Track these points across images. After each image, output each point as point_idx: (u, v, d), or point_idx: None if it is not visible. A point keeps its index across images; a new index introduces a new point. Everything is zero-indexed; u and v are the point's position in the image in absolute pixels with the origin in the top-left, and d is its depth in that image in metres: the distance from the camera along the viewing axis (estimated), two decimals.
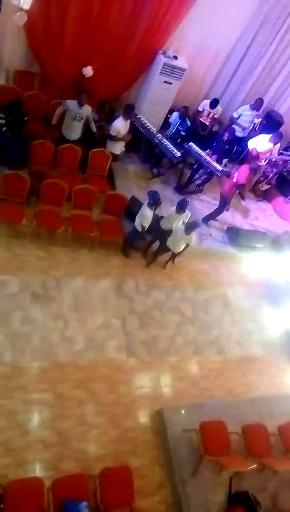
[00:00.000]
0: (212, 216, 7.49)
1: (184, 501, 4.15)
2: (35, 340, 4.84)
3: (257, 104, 8.35)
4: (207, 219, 7.50)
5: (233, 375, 5.67)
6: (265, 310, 6.83)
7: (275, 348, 6.35)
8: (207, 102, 8.29)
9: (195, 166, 7.68)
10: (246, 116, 8.49)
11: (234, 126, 8.39)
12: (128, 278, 6.10)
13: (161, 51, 7.40)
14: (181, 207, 5.82)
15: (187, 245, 6.16)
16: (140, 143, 7.83)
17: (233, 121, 8.47)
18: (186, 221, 5.92)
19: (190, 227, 5.73)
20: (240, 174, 7.01)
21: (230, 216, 8.00)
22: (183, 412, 4.86)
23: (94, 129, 6.75)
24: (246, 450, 4.49)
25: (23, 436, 4.10)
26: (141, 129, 7.55)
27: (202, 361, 5.63)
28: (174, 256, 6.40)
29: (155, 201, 5.67)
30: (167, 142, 7.54)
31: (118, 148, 6.86)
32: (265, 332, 6.51)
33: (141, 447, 4.47)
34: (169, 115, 8.27)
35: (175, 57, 7.44)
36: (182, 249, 6.16)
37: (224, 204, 7.34)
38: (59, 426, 4.28)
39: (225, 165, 8.31)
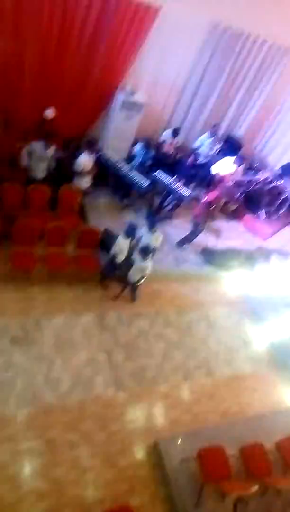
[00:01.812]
0: (187, 240, 7.62)
1: None
2: (18, 386, 4.68)
3: (215, 130, 8.75)
4: (181, 243, 7.63)
5: (225, 396, 5.61)
6: (248, 326, 6.89)
7: (263, 363, 6.36)
8: (168, 132, 8.62)
9: (164, 193, 7.88)
10: (206, 145, 8.88)
11: (197, 152, 8.73)
12: (109, 310, 6.06)
13: (119, 88, 7.73)
14: (129, 232, 5.79)
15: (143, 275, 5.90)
16: (107, 176, 8.00)
17: (195, 148, 8.82)
18: (155, 245, 5.93)
19: (144, 251, 5.63)
20: (209, 197, 7.24)
21: (203, 238, 8.15)
22: (179, 441, 4.74)
23: (52, 166, 6.83)
24: (246, 471, 4.40)
25: (15, 490, 3.89)
26: (106, 163, 7.74)
27: (192, 385, 5.57)
28: (132, 287, 6.18)
29: (131, 231, 5.74)
30: (133, 173, 7.73)
31: (85, 182, 6.98)
32: (251, 348, 6.54)
33: (139, 484, 4.31)
34: (133, 147, 8.53)
35: (133, 93, 7.76)
36: (138, 278, 5.95)
37: (197, 227, 7.50)
38: (52, 474, 4.09)
39: (194, 190, 8.56)
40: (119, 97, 7.63)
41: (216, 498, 4.31)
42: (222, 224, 8.95)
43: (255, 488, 4.09)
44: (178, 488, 4.29)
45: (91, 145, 6.74)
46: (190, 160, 7.92)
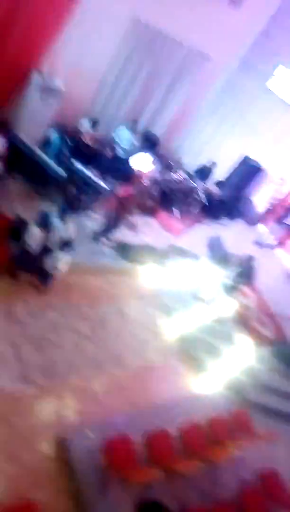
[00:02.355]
0: (102, 233, 7.57)
1: None
2: None
3: (133, 126, 8.85)
4: (97, 236, 7.56)
5: (134, 386, 5.68)
6: (159, 319, 7.07)
7: (171, 354, 6.58)
8: (87, 122, 8.48)
9: (81, 184, 7.72)
10: (125, 139, 8.93)
11: (115, 145, 8.74)
12: (18, 302, 5.74)
13: (36, 70, 7.38)
14: (42, 221, 5.61)
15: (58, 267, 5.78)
16: (20, 161, 7.58)
17: (114, 142, 8.81)
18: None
19: (59, 242, 5.51)
20: (126, 191, 7.29)
21: (119, 233, 8.18)
22: (87, 433, 4.68)
23: None
24: (152, 458, 4.51)
25: None
26: (22, 148, 7.34)
27: (103, 377, 5.53)
28: (44, 278, 5.99)
29: (44, 220, 5.50)
30: (48, 161, 7.45)
31: None
32: (161, 340, 6.72)
33: (45, 479, 4.14)
34: (49, 133, 8.21)
35: (52, 78, 7.47)
36: (52, 269, 5.82)
37: (112, 220, 7.50)
38: None
39: (111, 183, 8.55)
40: (36, 80, 7.29)
41: (121, 485, 4.33)
42: (138, 219, 9.07)
43: (159, 474, 4.21)
44: (84, 480, 4.23)
45: (2, 126, 6.33)
46: (108, 153, 7.89)
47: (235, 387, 6.38)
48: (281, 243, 11.16)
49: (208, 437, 5.22)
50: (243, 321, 7.88)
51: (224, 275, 8.00)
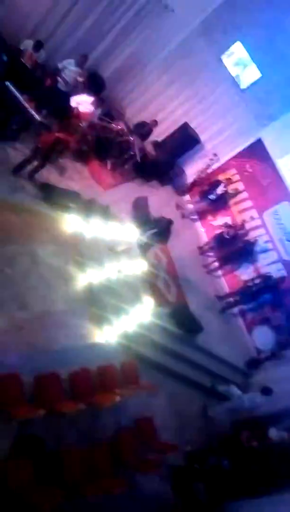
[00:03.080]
0: (25, 167, 7.10)
1: None
2: None
3: (82, 61, 8.23)
4: (19, 169, 7.08)
5: (33, 328, 5.65)
6: (72, 267, 7.03)
7: (77, 303, 6.66)
8: (30, 42, 7.66)
9: (10, 108, 7.03)
10: (70, 71, 8.28)
11: (58, 77, 8.08)
12: None
13: None
14: None
15: None
16: None
17: (56, 71, 8.13)
18: None
19: None
20: (61, 130, 6.86)
21: (46, 172, 7.78)
22: None
23: None
24: (38, 397, 4.67)
25: None
26: None
27: (2, 316, 5.44)
28: None
29: None
30: None
31: None
32: (70, 287, 6.72)
33: None
34: None
35: None
36: None
37: (40, 157, 7.07)
38: None
39: (45, 117, 7.96)
40: None
41: (2, 421, 4.43)
42: (67, 163, 8.69)
43: (42, 412, 4.38)
44: None
45: None
46: (48, 81, 7.25)
47: (130, 340, 6.74)
48: (201, 217, 11.68)
49: (96, 383, 5.54)
50: (150, 281, 8.25)
51: (141, 233, 8.17)
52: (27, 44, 7.66)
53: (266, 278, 9.95)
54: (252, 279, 10.18)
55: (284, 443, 6.37)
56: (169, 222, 8.65)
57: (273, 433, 6.57)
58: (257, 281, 10.00)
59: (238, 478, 5.96)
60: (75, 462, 4.55)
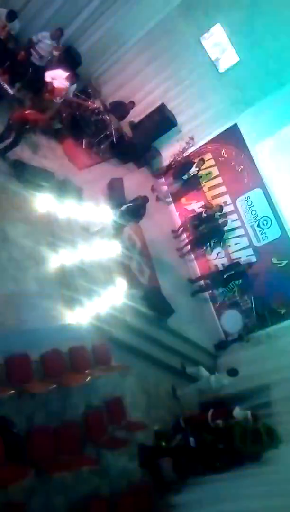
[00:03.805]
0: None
1: None
2: None
3: (57, 35, 7.91)
4: None
5: (3, 310, 5.59)
6: (44, 248, 6.91)
7: (50, 284, 6.58)
8: (3, 11, 7.28)
9: None
10: (45, 45, 7.96)
11: (32, 50, 7.75)
12: None
13: None
14: None
15: None
16: None
17: (31, 44, 7.79)
18: None
19: None
20: (34, 105, 6.61)
21: (18, 149, 7.52)
22: None
23: None
24: (7, 377, 4.64)
25: None
26: None
27: None
28: None
29: None
30: None
31: None
32: (42, 269, 6.62)
33: None
34: None
35: None
36: None
37: (14, 135, 6.81)
38: None
39: (18, 90, 7.66)
40: None
41: None
42: (41, 140, 8.43)
43: (11, 392, 4.37)
44: None
45: None
46: (21, 54, 6.96)
47: (102, 322, 6.77)
48: (175, 200, 11.71)
49: (67, 365, 5.56)
50: (123, 263, 8.26)
51: (114, 213, 8.11)
52: (0, 13, 7.26)
53: (235, 264, 10.18)
54: (223, 265, 10.40)
55: (247, 422, 6.65)
56: (145, 200, 8.62)
57: (237, 412, 6.83)
58: (227, 267, 10.23)
59: (202, 455, 6.21)
60: (43, 440, 4.59)
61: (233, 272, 9.95)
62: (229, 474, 6.08)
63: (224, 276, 10.03)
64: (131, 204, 8.53)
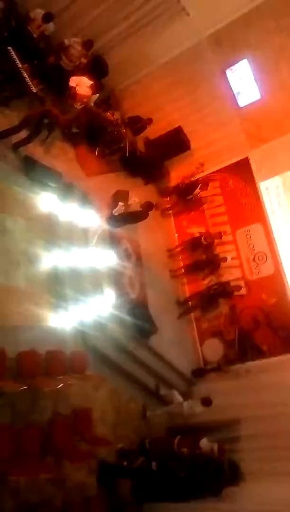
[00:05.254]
0: (9, 135, 6.88)
1: None
2: None
3: (88, 45, 8.10)
4: (2, 136, 6.85)
5: None
6: (40, 246, 6.89)
7: (38, 283, 6.54)
8: (41, 12, 7.43)
9: (7, 73, 6.80)
10: (75, 50, 8.12)
11: (62, 54, 7.90)
12: None
13: None
14: None
15: None
16: None
17: (62, 47, 7.94)
18: None
19: None
20: (54, 106, 6.69)
21: (32, 146, 7.57)
22: None
23: None
24: None
25: None
26: None
27: None
28: None
29: None
30: None
31: None
32: (33, 267, 6.59)
33: None
34: None
35: None
36: None
37: (29, 129, 6.85)
38: None
39: (41, 91, 7.75)
40: None
41: None
42: (55, 141, 8.49)
43: None
44: None
45: None
46: (52, 58, 7.08)
47: (84, 330, 6.71)
48: (176, 220, 11.80)
49: (42, 367, 5.47)
50: (116, 274, 8.24)
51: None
52: (37, 13, 7.42)
53: (223, 284, 10.21)
54: (211, 284, 10.44)
55: (213, 455, 6.55)
56: (149, 205, 8.64)
57: (204, 443, 6.73)
58: (215, 286, 10.27)
59: (162, 481, 6.07)
60: (4, 439, 4.47)
61: (220, 292, 9.98)
62: (186, 504, 5.95)
63: (210, 295, 10.05)
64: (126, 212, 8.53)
